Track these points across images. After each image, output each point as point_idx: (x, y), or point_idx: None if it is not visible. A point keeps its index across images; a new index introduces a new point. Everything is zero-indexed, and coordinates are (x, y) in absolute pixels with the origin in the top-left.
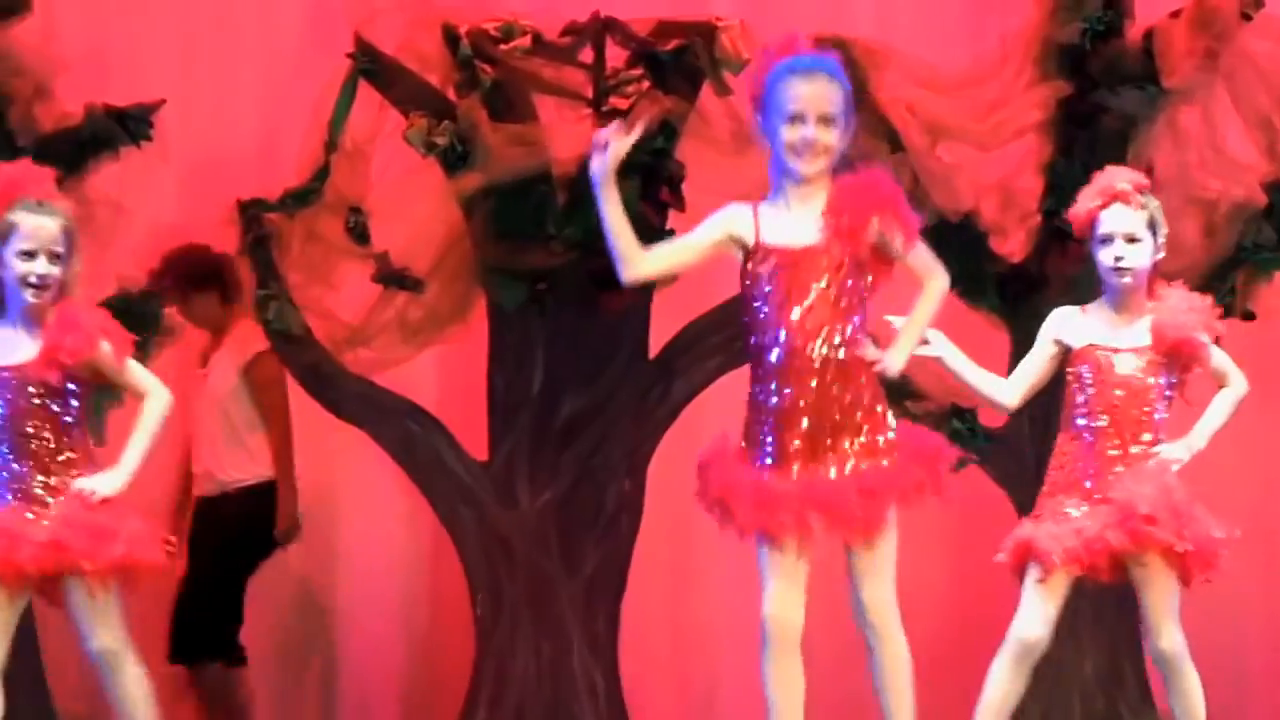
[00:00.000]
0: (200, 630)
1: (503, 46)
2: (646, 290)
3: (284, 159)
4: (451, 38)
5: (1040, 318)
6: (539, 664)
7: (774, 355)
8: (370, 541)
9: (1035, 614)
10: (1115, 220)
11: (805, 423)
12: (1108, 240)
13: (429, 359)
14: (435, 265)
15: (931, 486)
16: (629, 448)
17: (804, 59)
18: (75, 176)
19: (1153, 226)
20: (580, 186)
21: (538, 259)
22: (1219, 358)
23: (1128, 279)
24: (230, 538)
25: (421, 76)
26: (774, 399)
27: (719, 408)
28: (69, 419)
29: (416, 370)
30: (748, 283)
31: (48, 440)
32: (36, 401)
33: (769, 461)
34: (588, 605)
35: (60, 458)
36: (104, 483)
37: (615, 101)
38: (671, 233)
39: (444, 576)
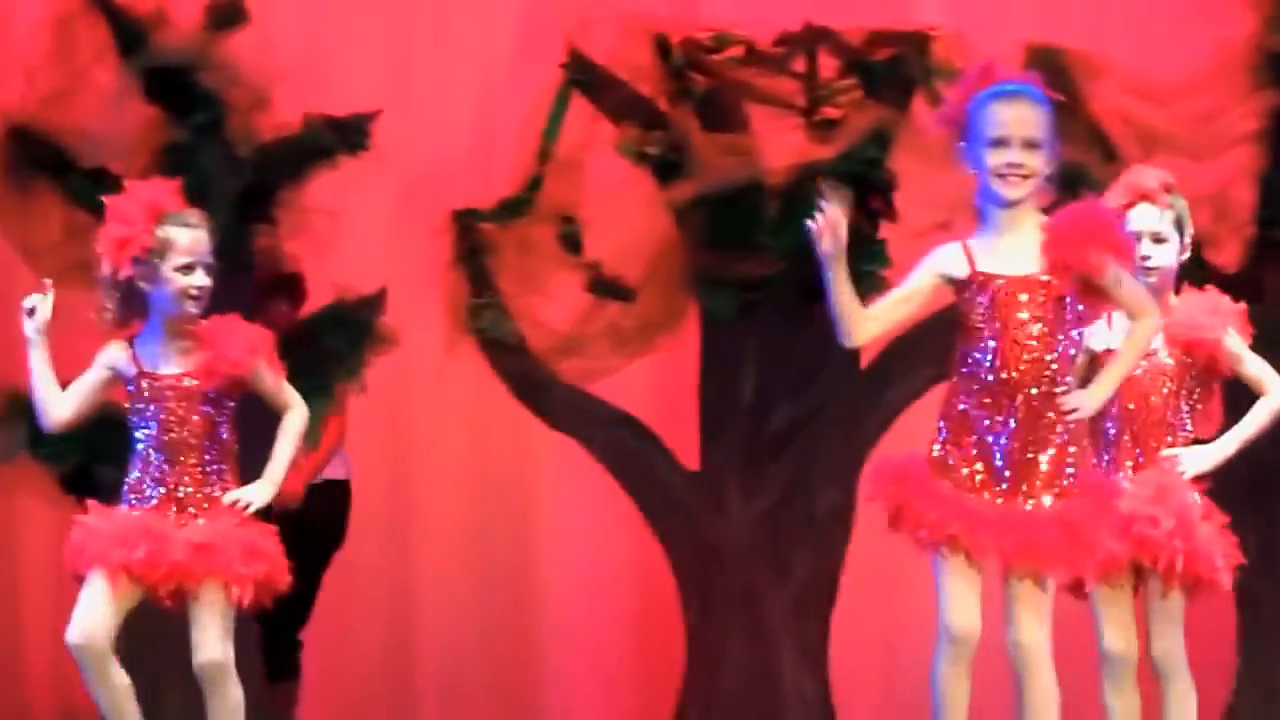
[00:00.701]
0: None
1: (715, 56)
2: None
3: (497, 169)
4: (664, 48)
5: (1256, 329)
6: (749, 673)
7: (982, 381)
8: (581, 549)
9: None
10: (1142, 219)
11: (1007, 449)
12: (1134, 239)
13: (641, 368)
14: (647, 274)
15: (1108, 532)
16: (840, 458)
17: (1007, 84)
18: (293, 186)
19: (1179, 226)
20: (792, 196)
21: (749, 268)
22: (1253, 364)
23: (1153, 279)
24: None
25: (634, 87)
26: (984, 424)
27: (930, 418)
28: (222, 429)
29: (628, 379)
30: (963, 310)
31: (200, 449)
32: (197, 410)
33: (966, 481)
34: (798, 615)
35: (211, 467)
36: (255, 494)
37: (827, 111)
38: (883, 243)
39: (655, 585)
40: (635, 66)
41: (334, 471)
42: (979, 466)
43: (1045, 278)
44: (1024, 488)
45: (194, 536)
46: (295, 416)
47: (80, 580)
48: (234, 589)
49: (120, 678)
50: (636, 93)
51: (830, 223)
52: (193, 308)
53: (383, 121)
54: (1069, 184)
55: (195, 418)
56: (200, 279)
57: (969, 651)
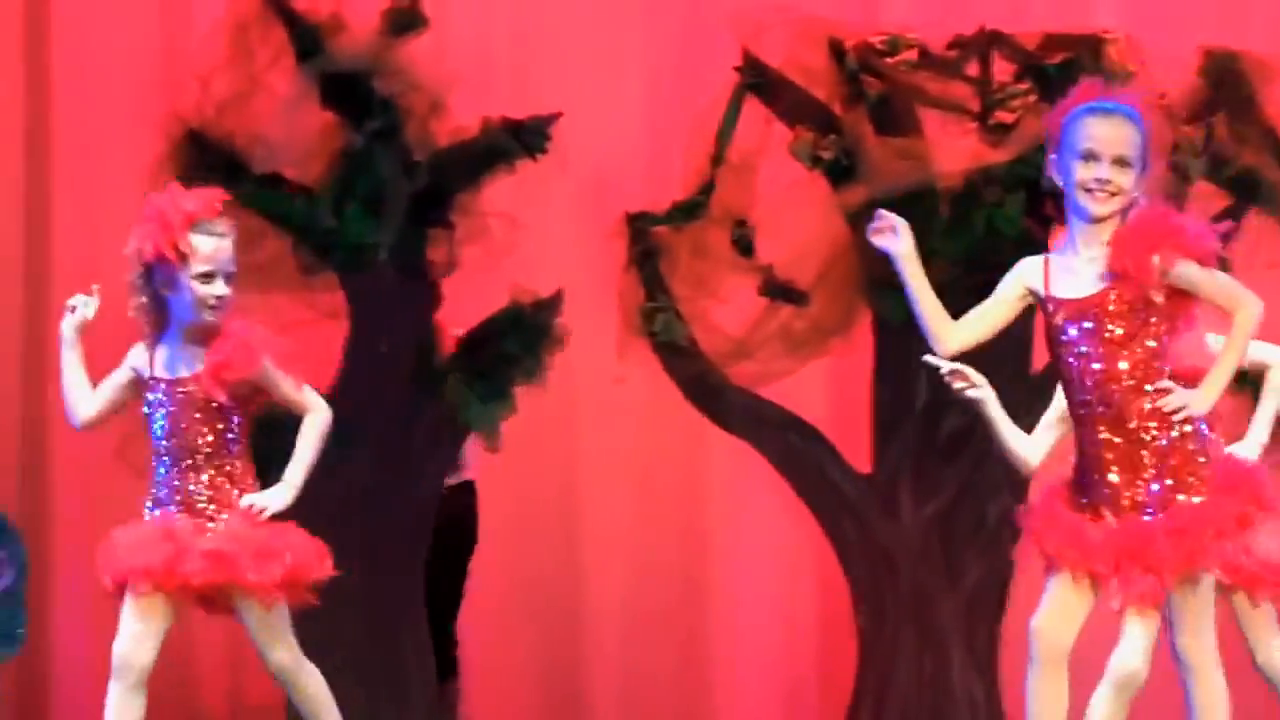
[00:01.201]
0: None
1: (888, 60)
2: (1029, 307)
3: (670, 172)
4: (838, 51)
5: None
6: (920, 676)
7: (1081, 404)
8: (752, 552)
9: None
10: None
11: (1116, 467)
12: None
13: (813, 372)
14: (819, 278)
15: (1251, 516)
16: (1010, 463)
17: (1104, 101)
18: (470, 189)
19: None
20: (965, 201)
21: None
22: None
23: None
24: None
25: (807, 90)
26: (1086, 444)
27: None
28: (233, 434)
29: (800, 383)
30: (1049, 334)
31: (213, 455)
32: (201, 416)
33: (1086, 505)
34: (969, 619)
35: (225, 471)
36: (272, 498)
37: (1001, 115)
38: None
39: (827, 587)
40: (809, 70)
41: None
42: (1088, 484)
43: (1113, 292)
44: (1128, 498)
45: (208, 545)
46: (315, 419)
47: (115, 594)
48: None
49: (137, 699)
50: (810, 96)
51: (889, 223)
52: (210, 316)
53: (558, 124)
54: (1244, 188)
55: (202, 423)
56: (219, 288)
57: (1058, 660)
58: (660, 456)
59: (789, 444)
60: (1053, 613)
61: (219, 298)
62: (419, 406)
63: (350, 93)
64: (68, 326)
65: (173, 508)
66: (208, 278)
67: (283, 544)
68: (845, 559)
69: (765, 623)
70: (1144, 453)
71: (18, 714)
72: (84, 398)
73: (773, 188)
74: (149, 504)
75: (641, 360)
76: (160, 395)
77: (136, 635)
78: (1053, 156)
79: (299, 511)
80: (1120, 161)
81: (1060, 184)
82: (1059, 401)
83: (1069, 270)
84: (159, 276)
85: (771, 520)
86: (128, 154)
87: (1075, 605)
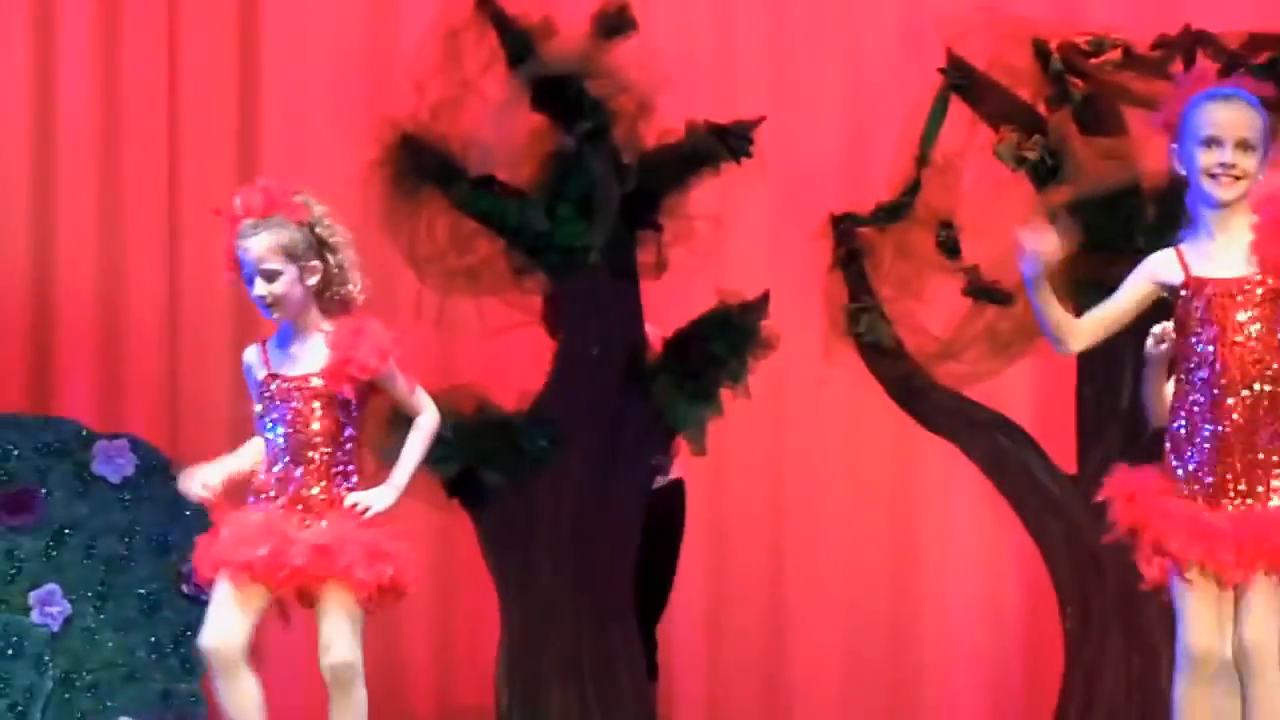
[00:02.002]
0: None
1: (1093, 60)
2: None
3: (875, 174)
4: (1042, 52)
5: None
6: (1128, 678)
7: (1208, 388)
8: (959, 552)
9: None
10: None
11: (1236, 456)
12: None
13: (1019, 372)
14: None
15: None
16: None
17: (1223, 88)
18: (677, 192)
19: None
20: (1170, 201)
21: (1128, 273)
22: None
23: None
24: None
25: (1012, 91)
26: (1207, 431)
27: None
28: (349, 431)
29: (1007, 383)
30: (1180, 317)
31: (327, 451)
32: (320, 412)
33: (1200, 494)
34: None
35: (336, 469)
36: (376, 498)
37: None
38: None
39: (1032, 589)
40: (1014, 71)
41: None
42: (1210, 476)
43: (1259, 276)
44: (1259, 490)
45: (315, 538)
46: (425, 421)
47: (208, 585)
48: (357, 593)
49: (250, 684)
50: (1015, 97)
51: (1042, 242)
52: (267, 315)
53: (762, 126)
54: None
55: (320, 419)
56: (259, 289)
57: (1210, 674)
58: (865, 457)
59: (995, 444)
60: (1196, 625)
61: (260, 298)
62: (628, 408)
63: (561, 96)
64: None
65: (283, 503)
66: (249, 281)
67: (392, 549)
68: (1051, 560)
69: (972, 624)
70: (1266, 443)
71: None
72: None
73: (977, 188)
74: (258, 499)
75: (846, 361)
76: (278, 392)
77: (228, 624)
78: (1174, 146)
79: (509, 510)
80: (1243, 145)
81: (1184, 173)
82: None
83: (1206, 255)
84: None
85: (977, 521)
86: (335, 159)
87: (1213, 606)
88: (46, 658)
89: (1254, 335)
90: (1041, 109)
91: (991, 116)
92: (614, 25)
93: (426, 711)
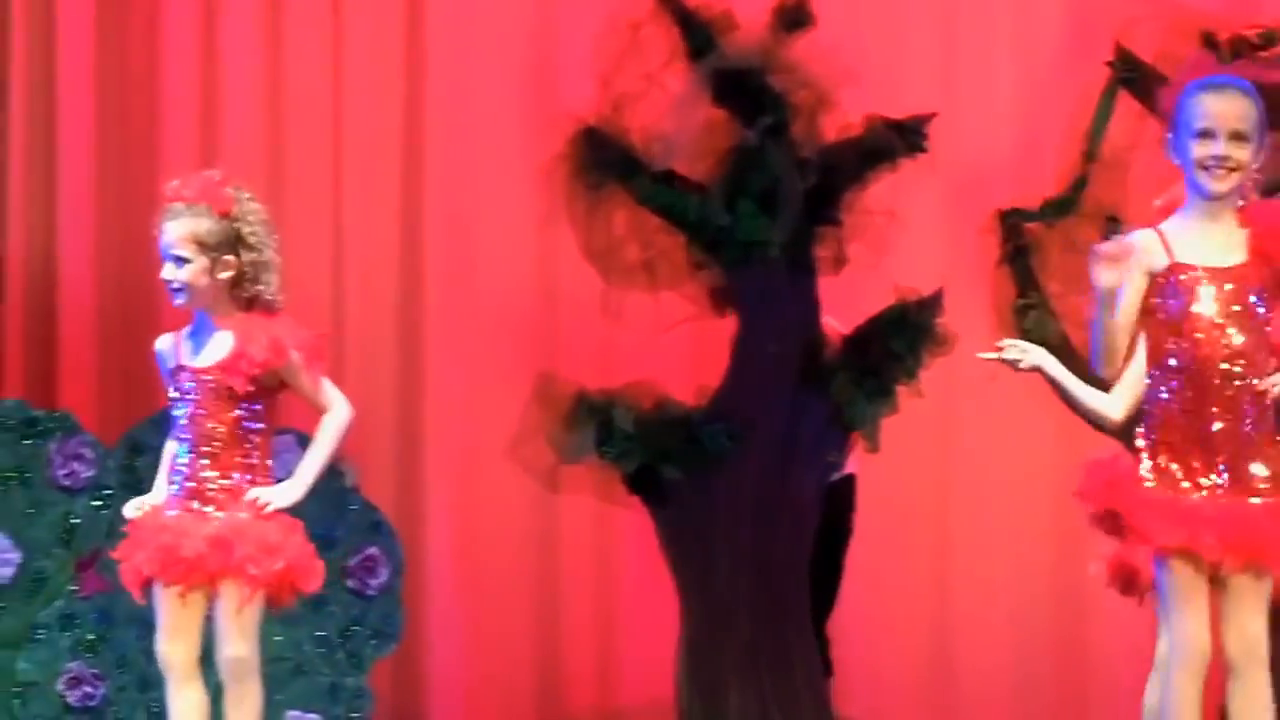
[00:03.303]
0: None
1: (1263, 53)
2: None
3: (1043, 169)
4: (1211, 44)
5: None
6: None
7: (1186, 375)
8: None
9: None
10: None
11: (1215, 445)
12: None
13: None
14: None
15: None
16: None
17: (1217, 77)
18: (856, 187)
19: None
20: None
21: None
22: None
23: None
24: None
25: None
26: (1183, 418)
27: None
28: (253, 425)
29: None
30: (1156, 301)
31: (228, 444)
32: (221, 404)
33: (1180, 482)
34: None
35: (239, 462)
36: (279, 494)
37: None
38: None
39: None
40: (1183, 64)
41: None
42: (1193, 464)
43: (1247, 270)
44: (1241, 478)
45: (206, 532)
46: (333, 417)
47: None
48: (251, 587)
49: (197, 693)
50: None
51: (1121, 251)
52: (174, 300)
53: (933, 122)
54: None
55: (219, 412)
56: (167, 272)
57: (1204, 668)
58: (1033, 454)
59: None
60: (1190, 621)
61: (168, 282)
62: (807, 404)
63: (742, 90)
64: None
65: (184, 495)
66: (164, 262)
67: (285, 542)
68: None
69: (1139, 626)
70: (1250, 431)
71: (393, 711)
72: None
73: (1145, 183)
74: (169, 491)
75: None
76: (183, 383)
77: (175, 630)
78: (1169, 136)
79: (689, 506)
80: (1237, 136)
81: (1179, 164)
82: (1138, 364)
83: (1194, 241)
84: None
85: None
86: (508, 153)
87: (1204, 600)
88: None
89: (1237, 326)
90: None
91: (1160, 110)
92: (794, 19)
93: (591, 709)
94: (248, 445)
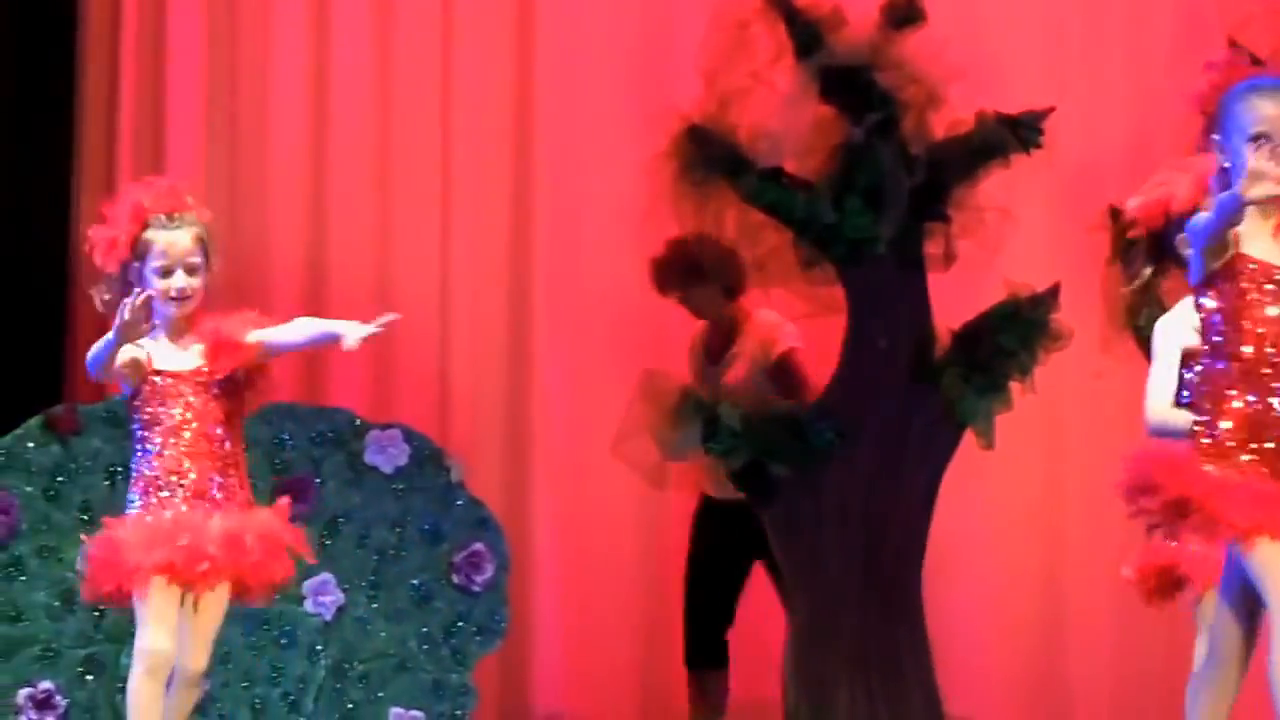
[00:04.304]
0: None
1: None
2: None
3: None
4: None
5: None
6: None
7: (1251, 361)
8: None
9: None
10: None
11: (1270, 429)
12: None
13: None
14: None
15: None
16: None
17: (1269, 79)
18: (966, 183)
19: None
20: None
21: None
22: None
23: None
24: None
25: None
26: (1238, 406)
27: None
28: (237, 419)
29: None
30: (1220, 289)
31: (223, 441)
32: (215, 403)
33: (1249, 467)
34: None
35: (235, 456)
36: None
37: None
38: None
39: None
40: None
41: None
42: (1266, 448)
43: None
44: None
45: (224, 529)
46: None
47: (104, 597)
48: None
49: (163, 692)
50: None
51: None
52: (175, 309)
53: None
54: None
55: (218, 408)
56: (179, 280)
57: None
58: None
59: None
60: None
61: (179, 290)
62: (917, 400)
63: (850, 87)
64: None
65: (180, 498)
66: (165, 272)
67: (288, 537)
68: None
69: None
70: None
71: (499, 707)
72: None
73: None
74: (150, 498)
75: (1125, 355)
76: (168, 388)
77: (169, 628)
78: (1216, 138)
79: (797, 503)
80: None
81: (1227, 165)
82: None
83: (1258, 236)
84: (132, 273)
85: None
86: (616, 150)
87: None
88: (319, 647)
89: None
90: None
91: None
92: (903, 16)
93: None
94: (234, 440)
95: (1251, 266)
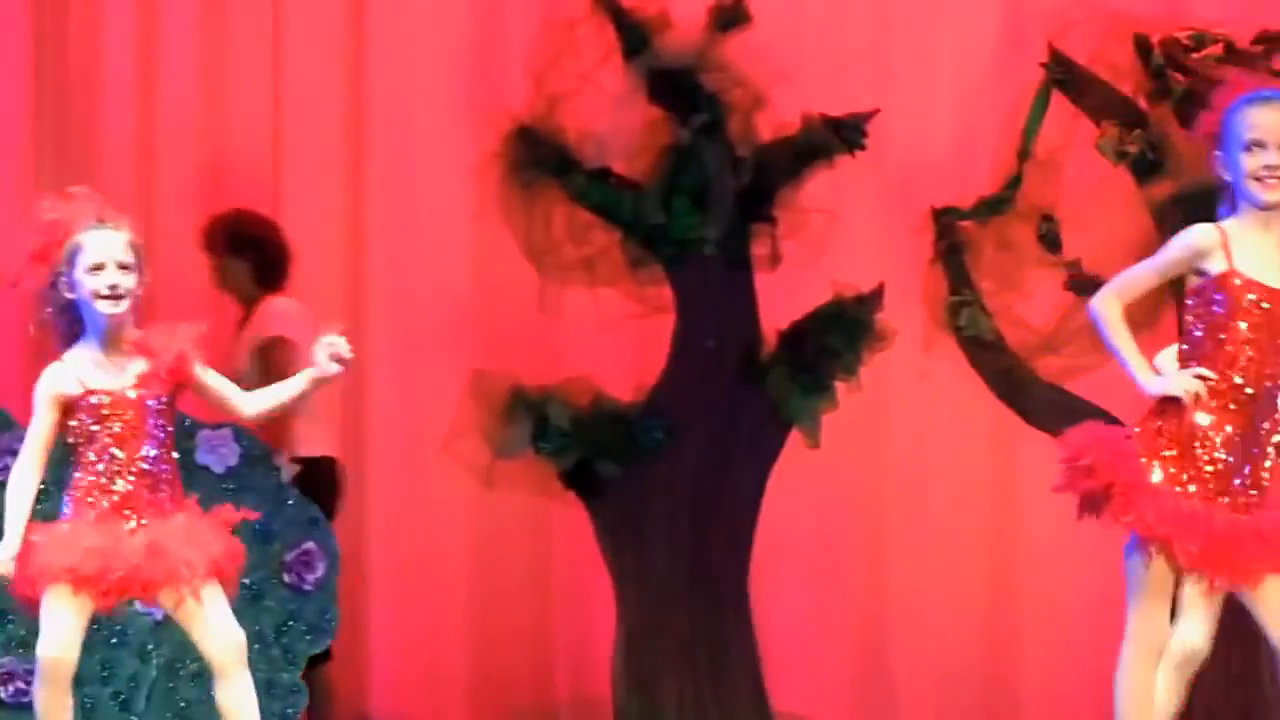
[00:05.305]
0: None
1: (1194, 55)
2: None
3: (977, 167)
4: (1144, 47)
5: None
6: (1228, 673)
7: (1237, 388)
8: (1060, 547)
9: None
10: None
11: (1239, 456)
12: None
13: (1119, 366)
14: None
15: None
16: None
17: (1263, 91)
18: (792, 185)
19: None
20: None
21: None
22: None
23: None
24: None
25: (1113, 86)
26: (1210, 429)
27: None
28: (170, 438)
29: (1107, 377)
30: (1200, 303)
31: (158, 459)
32: (150, 422)
33: (1198, 491)
34: None
35: (170, 470)
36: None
37: None
38: None
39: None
40: (1115, 66)
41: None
42: (1207, 470)
43: None
44: (1261, 479)
45: (144, 540)
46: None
47: (28, 602)
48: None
49: (70, 701)
50: (1116, 92)
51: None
52: (108, 307)
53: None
54: None
55: (154, 428)
56: (112, 276)
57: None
58: (965, 450)
59: None
60: (1202, 627)
61: (111, 286)
62: (744, 400)
63: (677, 88)
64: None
65: (108, 507)
66: (97, 269)
67: (221, 537)
68: None
69: (1071, 617)
70: (1261, 447)
71: (331, 705)
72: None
73: (1079, 183)
74: (79, 511)
75: (947, 355)
76: (102, 406)
77: (69, 636)
78: (1218, 154)
79: (625, 502)
80: None
81: (1229, 179)
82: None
83: (1253, 249)
84: (62, 287)
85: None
86: (444, 150)
87: (1168, 597)
88: (150, 646)
89: (1267, 339)
90: (1143, 104)
91: (1093, 111)
92: (730, 19)
93: (528, 703)
94: (168, 457)
95: (1238, 282)
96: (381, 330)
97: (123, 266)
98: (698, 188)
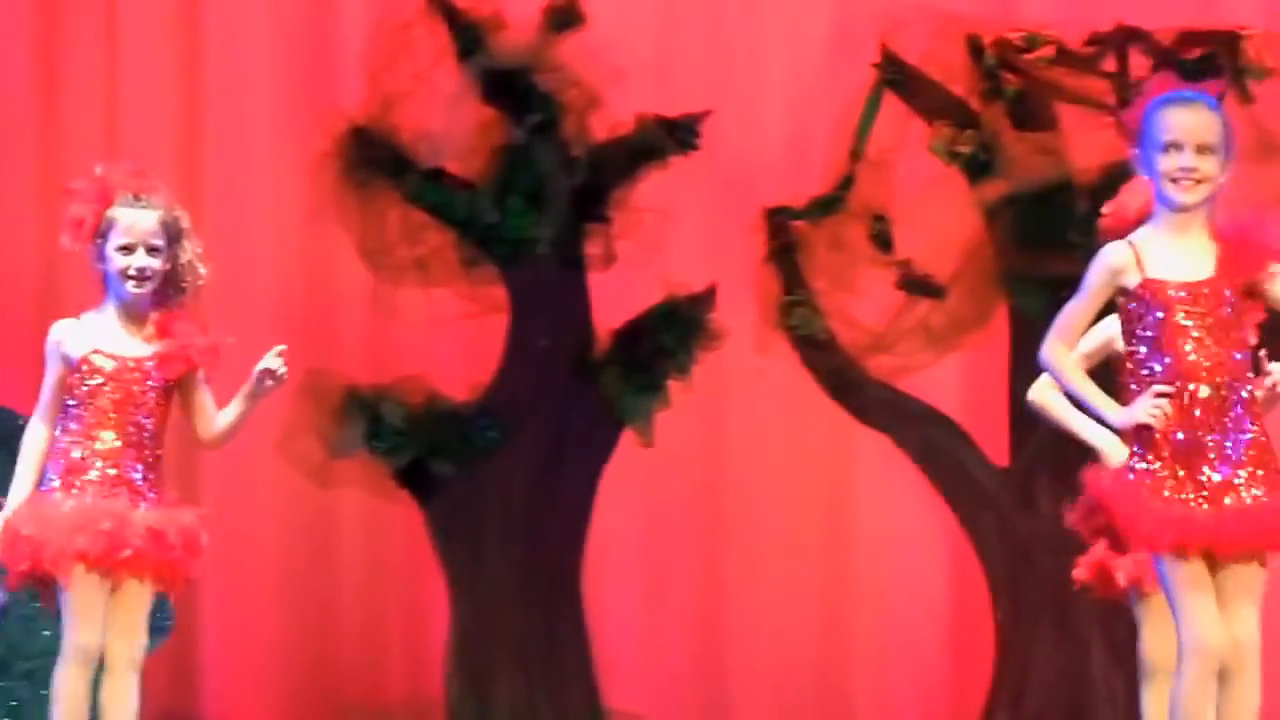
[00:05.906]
0: None
1: (1026, 56)
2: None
3: (810, 167)
4: (976, 48)
5: None
6: (1058, 670)
7: (1159, 389)
8: (891, 545)
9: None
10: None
11: (1200, 456)
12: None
13: (951, 365)
14: (957, 272)
15: None
16: None
17: (1182, 92)
18: (625, 185)
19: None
20: (1101, 196)
21: (1059, 267)
22: None
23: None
24: None
25: (945, 86)
26: (1165, 431)
27: None
28: (166, 418)
29: (938, 376)
30: (1132, 316)
31: (151, 435)
32: (148, 393)
33: (1170, 490)
34: (1108, 612)
35: (158, 453)
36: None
37: None
38: None
39: (964, 580)
40: (947, 66)
41: None
42: (1180, 474)
43: (1218, 282)
44: (1234, 485)
45: (147, 521)
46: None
47: (19, 578)
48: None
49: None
50: (948, 92)
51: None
52: (133, 287)
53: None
54: None
55: (152, 402)
56: (140, 259)
57: (1218, 666)
58: (799, 448)
59: (927, 437)
60: (1202, 619)
61: (139, 269)
62: (577, 398)
63: (511, 89)
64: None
65: (108, 484)
66: (127, 249)
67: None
68: (983, 552)
69: (903, 615)
70: (1226, 439)
71: (165, 707)
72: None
73: (911, 183)
74: (73, 479)
75: (781, 353)
76: (110, 370)
77: (96, 622)
78: (1136, 152)
79: (458, 500)
80: (1204, 149)
81: (1148, 178)
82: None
83: (1164, 255)
84: (93, 252)
85: (910, 513)
86: (279, 150)
87: (1211, 596)
88: None
89: (1215, 339)
90: (975, 104)
91: (925, 111)
92: (563, 20)
93: (360, 703)
94: (161, 436)
95: (1158, 290)
96: (215, 329)
97: (151, 250)
98: (532, 188)
